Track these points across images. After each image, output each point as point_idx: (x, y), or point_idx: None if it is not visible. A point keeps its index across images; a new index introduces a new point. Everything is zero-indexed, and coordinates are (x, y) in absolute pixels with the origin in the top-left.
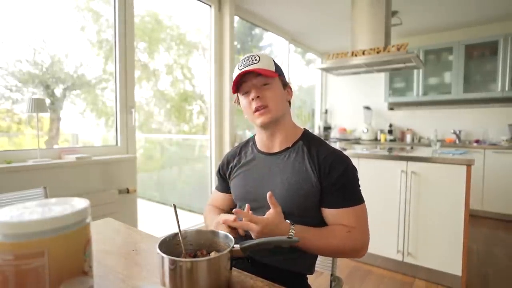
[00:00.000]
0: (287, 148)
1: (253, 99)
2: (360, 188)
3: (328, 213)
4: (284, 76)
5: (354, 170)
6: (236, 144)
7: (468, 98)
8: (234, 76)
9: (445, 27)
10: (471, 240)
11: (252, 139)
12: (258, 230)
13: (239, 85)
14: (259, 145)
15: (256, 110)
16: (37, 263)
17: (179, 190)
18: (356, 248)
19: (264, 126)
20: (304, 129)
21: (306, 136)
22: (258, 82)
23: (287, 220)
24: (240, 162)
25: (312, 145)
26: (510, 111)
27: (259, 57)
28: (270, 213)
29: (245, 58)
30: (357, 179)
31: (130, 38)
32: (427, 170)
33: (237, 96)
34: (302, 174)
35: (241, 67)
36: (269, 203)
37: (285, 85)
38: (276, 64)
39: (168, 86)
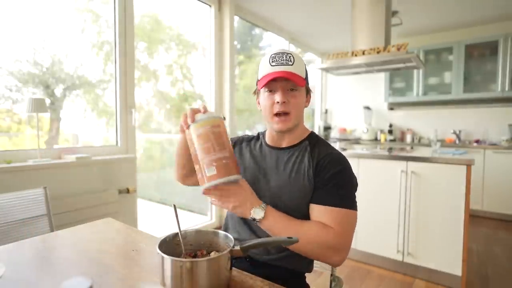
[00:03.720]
0: (293, 146)
1: (278, 102)
2: (355, 195)
3: (313, 209)
4: (308, 82)
5: (351, 175)
6: (248, 134)
7: (468, 98)
8: (264, 69)
9: (445, 27)
10: (471, 240)
11: (262, 133)
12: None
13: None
14: (268, 139)
15: (277, 114)
16: None
17: (179, 190)
18: (328, 243)
19: (280, 132)
20: (312, 131)
21: (312, 137)
22: (287, 85)
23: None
24: (248, 151)
25: (315, 145)
26: (510, 111)
27: (293, 58)
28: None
29: (278, 54)
30: (353, 185)
31: (130, 39)
32: (427, 170)
33: (257, 90)
34: (300, 171)
35: (274, 64)
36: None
37: (308, 93)
38: (306, 69)
39: (168, 86)
